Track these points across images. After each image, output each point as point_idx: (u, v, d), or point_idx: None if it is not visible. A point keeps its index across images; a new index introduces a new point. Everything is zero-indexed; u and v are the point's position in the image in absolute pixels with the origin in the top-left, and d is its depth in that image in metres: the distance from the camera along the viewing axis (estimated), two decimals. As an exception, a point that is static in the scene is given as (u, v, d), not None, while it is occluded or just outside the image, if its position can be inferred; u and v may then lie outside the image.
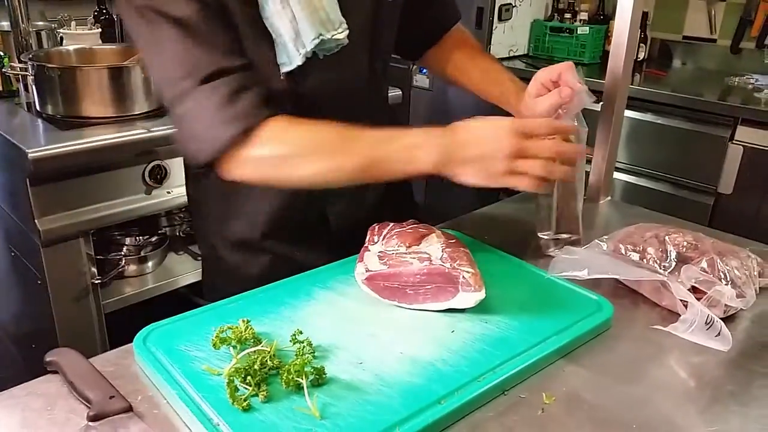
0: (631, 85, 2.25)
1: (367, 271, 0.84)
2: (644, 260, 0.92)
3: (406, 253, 0.86)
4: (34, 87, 1.75)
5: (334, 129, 0.82)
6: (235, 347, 0.72)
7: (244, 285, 0.87)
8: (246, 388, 0.66)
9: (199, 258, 1.99)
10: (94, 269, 1.70)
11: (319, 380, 0.68)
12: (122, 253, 1.90)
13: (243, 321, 0.75)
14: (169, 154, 1.74)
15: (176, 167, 1.76)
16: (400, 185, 1.12)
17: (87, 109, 1.73)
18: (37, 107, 1.78)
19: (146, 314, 1.02)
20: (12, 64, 1.83)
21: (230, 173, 0.84)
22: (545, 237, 1.04)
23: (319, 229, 1.04)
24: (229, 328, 0.73)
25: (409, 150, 0.81)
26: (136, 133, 1.67)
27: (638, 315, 0.90)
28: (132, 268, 1.91)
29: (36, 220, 1.55)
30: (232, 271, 1.05)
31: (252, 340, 0.73)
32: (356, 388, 0.68)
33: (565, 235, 1.03)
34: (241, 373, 0.66)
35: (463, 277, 0.80)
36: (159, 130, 1.70)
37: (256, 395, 0.66)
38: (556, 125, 0.86)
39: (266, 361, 0.68)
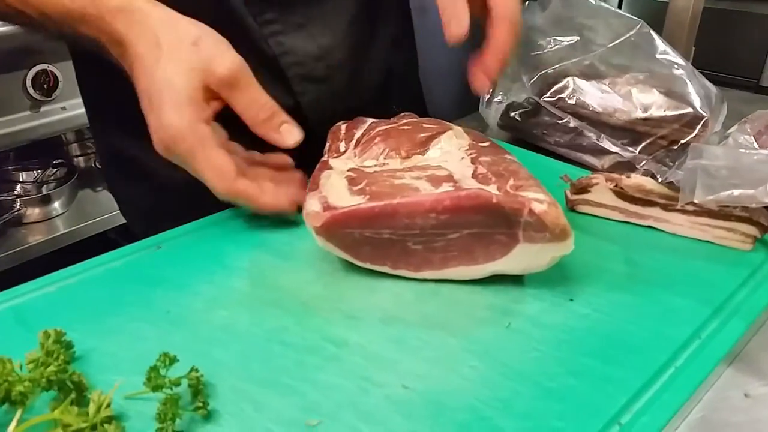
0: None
1: (326, 210, 0.40)
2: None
3: (401, 170, 0.43)
4: None
5: None
6: (13, 404, 0.30)
7: (157, 197, 0.66)
8: None
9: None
10: (-30, 216, 1.27)
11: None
12: (15, 193, 1.46)
13: (46, 334, 0.33)
14: (59, 56, 1.27)
15: (69, 73, 1.29)
16: (408, 73, 0.78)
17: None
18: None
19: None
20: None
21: None
22: None
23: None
24: (-12, 365, 0.30)
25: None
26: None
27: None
28: (34, 212, 1.48)
29: None
30: (141, 177, 0.69)
31: (64, 383, 0.31)
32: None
33: None
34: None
35: (532, 210, 0.38)
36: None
37: None
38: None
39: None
